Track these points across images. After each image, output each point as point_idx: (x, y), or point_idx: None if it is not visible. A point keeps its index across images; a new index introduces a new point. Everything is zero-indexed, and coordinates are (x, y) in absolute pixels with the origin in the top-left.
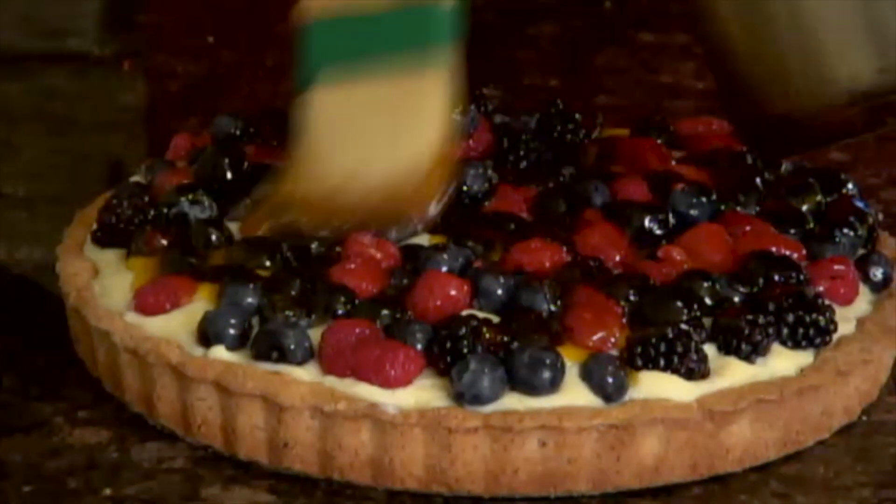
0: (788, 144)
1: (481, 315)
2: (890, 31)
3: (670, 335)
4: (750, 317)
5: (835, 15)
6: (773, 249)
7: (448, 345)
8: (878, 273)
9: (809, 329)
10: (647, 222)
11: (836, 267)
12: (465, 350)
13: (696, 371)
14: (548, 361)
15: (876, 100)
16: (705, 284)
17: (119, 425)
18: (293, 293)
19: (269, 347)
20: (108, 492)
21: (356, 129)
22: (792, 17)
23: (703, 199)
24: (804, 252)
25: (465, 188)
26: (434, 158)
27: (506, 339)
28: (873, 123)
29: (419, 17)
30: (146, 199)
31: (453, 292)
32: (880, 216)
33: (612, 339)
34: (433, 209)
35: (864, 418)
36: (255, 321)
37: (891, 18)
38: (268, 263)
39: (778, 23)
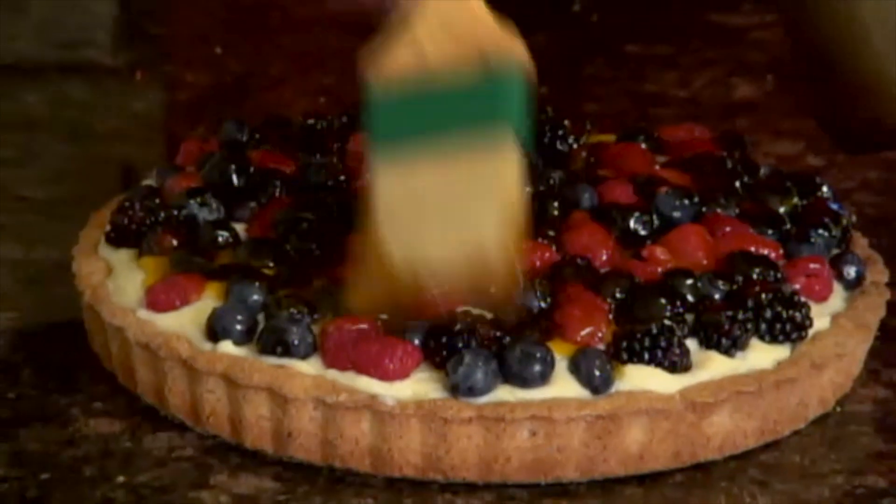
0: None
1: (475, 312)
2: None
3: (654, 330)
4: (730, 313)
5: None
6: (752, 249)
7: (444, 340)
8: (851, 271)
9: (786, 324)
10: (632, 223)
11: (811, 266)
12: (460, 345)
13: (678, 364)
14: (538, 356)
15: None
16: (688, 282)
17: (132, 416)
18: (297, 291)
19: (274, 342)
20: (121, 479)
21: (423, 211)
22: (889, 27)
23: (686, 202)
24: (781, 251)
25: None
26: (506, 240)
27: (499, 334)
28: None
29: (488, 93)
30: (157, 201)
31: None
32: (854, 217)
33: (600, 335)
34: (519, 297)
35: (838, 409)
36: (260, 317)
37: None
38: (272, 263)
39: (876, 33)
